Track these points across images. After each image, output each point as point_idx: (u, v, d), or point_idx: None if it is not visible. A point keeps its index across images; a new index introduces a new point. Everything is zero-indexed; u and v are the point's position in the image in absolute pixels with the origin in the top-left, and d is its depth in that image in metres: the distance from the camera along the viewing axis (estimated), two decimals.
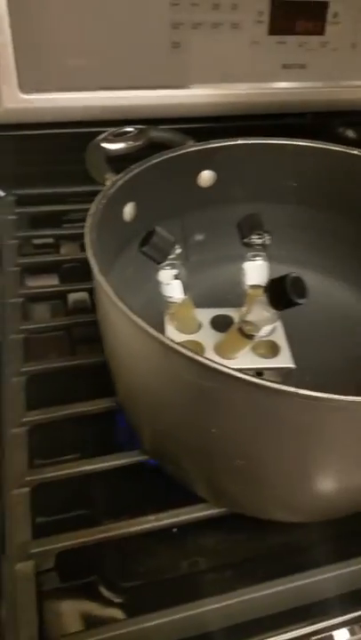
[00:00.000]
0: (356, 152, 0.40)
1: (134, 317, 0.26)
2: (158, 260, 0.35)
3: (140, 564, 0.36)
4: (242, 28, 0.56)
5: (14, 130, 0.59)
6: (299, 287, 0.31)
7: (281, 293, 0.31)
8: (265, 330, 0.34)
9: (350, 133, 0.72)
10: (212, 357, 0.36)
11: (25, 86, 0.56)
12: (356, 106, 0.65)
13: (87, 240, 0.31)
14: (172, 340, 0.25)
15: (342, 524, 0.37)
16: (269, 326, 0.34)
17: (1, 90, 0.55)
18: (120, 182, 0.36)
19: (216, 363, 0.24)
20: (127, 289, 0.41)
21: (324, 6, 0.56)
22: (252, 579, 0.34)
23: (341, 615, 0.34)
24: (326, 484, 0.28)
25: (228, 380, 0.24)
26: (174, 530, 0.37)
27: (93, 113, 0.57)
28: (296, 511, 0.33)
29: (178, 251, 0.35)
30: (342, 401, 0.23)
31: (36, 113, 0.58)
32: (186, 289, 0.37)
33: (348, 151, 0.40)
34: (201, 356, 0.24)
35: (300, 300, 0.31)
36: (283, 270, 0.46)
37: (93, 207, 0.34)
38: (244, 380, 0.23)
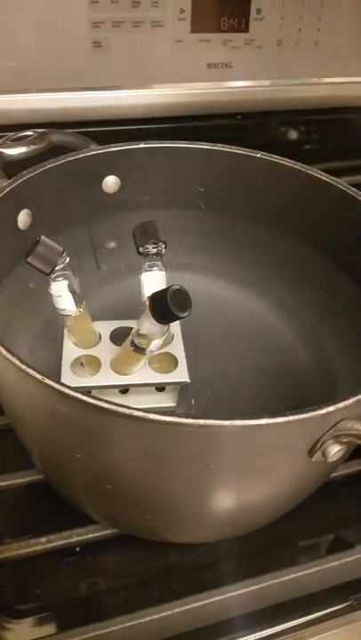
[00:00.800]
0: (259, 155, 0.39)
1: None
2: (45, 270, 0.33)
3: (37, 586, 0.35)
4: (164, 25, 0.54)
5: None
6: (181, 300, 0.30)
7: (162, 307, 0.29)
8: (155, 343, 0.33)
9: (292, 134, 0.71)
10: (106, 373, 0.35)
11: None
12: (291, 105, 0.64)
13: None
14: (22, 362, 0.24)
15: (246, 541, 0.36)
16: (159, 340, 0.33)
17: None
18: (7, 189, 0.35)
19: (60, 384, 0.22)
20: (29, 300, 0.40)
21: (247, 2, 0.55)
22: (150, 599, 0.33)
23: (246, 636, 0.33)
24: (194, 507, 0.27)
25: (73, 402, 0.22)
26: (77, 549, 0.36)
27: (13, 116, 0.56)
28: (180, 533, 0.32)
29: (67, 260, 0.33)
30: (191, 425, 0.22)
31: None
32: (79, 300, 0.35)
33: (251, 154, 0.39)
34: (52, 379, 0.23)
35: (182, 314, 0.29)
36: (191, 279, 0.46)
37: None
38: (83, 402, 0.22)
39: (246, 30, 0.56)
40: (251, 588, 0.33)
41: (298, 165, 0.39)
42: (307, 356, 0.41)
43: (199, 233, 0.43)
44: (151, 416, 0.22)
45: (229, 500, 0.27)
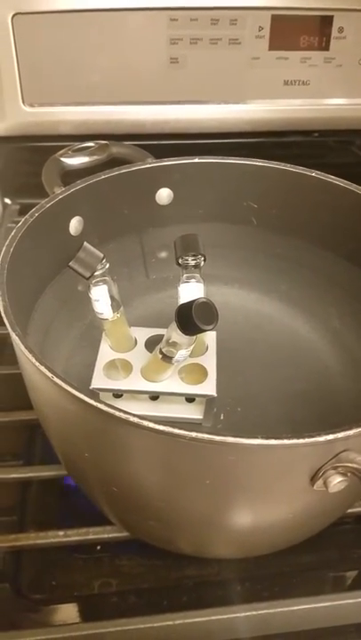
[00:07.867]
0: (314, 174, 0.38)
1: (16, 338, 0.26)
2: (85, 274, 0.34)
3: (54, 578, 0.36)
4: (241, 43, 0.55)
5: (20, 142, 0.62)
6: (207, 313, 0.30)
7: (187, 319, 0.30)
8: (181, 354, 0.33)
9: None
10: (135, 378, 0.36)
11: (28, 100, 0.58)
12: None
13: (3, 251, 0.32)
14: (38, 359, 0.25)
15: (264, 565, 0.35)
16: (186, 350, 0.33)
17: (5, 104, 0.58)
18: (61, 196, 0.37)
19: (67, 383, 0.23)
20: (75, 302, 0.42)
21: (329, 21, 0.54)
22: (157, 608, 0.34)
23: None
24: (195, 519, 0.27)
25: (77, 401, 0.23)
26: (98, 547, 0.37)
27: (93, 126, 0.58)
28: (183, 544, 0.31)
29: (106, 266, 0.35)
30: (183, 436, 0.22)
31: (38, 126, 0.59)
32: (117, 306, 0.36)
33: (306, 173, 0.38)
34: (60, 377, 0.24)
35: (207, 327, 0.30)
36: (237, 293, 0.46)
37: (22, 220, 0.34)
38: (85, 402, 0.22)
39: (327, 49, 0.55)
40: (259, 612, 0.33)
41: (353, 187, 0.38)
42: (347, 384, 0.39)
43: (249, 248, 0.43)
44: (145, 423, 0.22)
45: (230, 518, 0.27)
